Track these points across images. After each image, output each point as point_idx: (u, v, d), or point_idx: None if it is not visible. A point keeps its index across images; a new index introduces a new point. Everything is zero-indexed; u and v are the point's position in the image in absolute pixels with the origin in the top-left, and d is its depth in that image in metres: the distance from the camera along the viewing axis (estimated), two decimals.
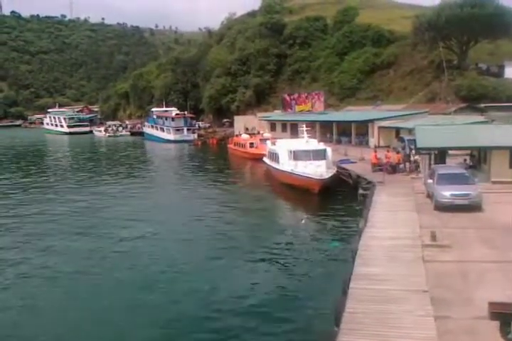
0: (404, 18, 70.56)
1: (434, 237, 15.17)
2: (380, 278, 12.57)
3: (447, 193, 19.31)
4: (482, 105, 47.65)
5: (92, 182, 40.20)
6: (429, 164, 26.04)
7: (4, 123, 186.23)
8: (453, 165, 25.62)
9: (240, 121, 75.82)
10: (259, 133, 58.87)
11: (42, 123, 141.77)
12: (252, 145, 51.52)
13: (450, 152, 28.00)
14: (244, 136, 55.67)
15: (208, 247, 20.25)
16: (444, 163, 25.86)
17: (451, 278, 12.41)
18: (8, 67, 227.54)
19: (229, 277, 16.70)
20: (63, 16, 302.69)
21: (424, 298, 11.22)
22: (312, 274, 16.66)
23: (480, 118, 39.02)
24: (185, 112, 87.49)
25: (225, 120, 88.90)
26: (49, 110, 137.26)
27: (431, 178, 21.22)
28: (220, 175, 42.59)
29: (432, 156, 26.38)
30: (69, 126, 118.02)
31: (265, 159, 40.07)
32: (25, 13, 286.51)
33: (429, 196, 21.34)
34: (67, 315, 14.08)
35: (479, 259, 13.66)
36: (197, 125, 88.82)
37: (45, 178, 43.28)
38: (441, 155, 26.43)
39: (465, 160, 28.35)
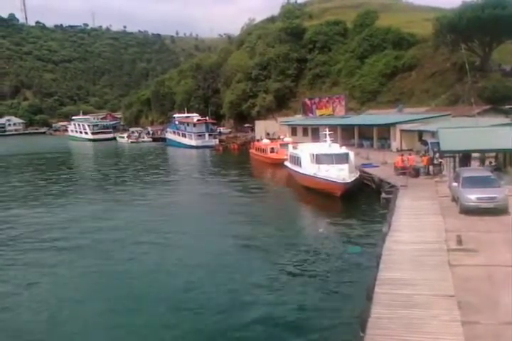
0: (424, 20, 69.95)
1: (460, 241, 14.99)
2: (406, 282, 12.46)
3: (473, 196, 19.02)
4: (506, 107, 46.90)
5: (119, 187, 40.98)
6: (454, 167, 25.72)
7: (30, 130, 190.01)
8: (479, 167, 25.26)
9: (261, 126, 76.03)
10: (279, 138, 58.89)
11: (66, 130, 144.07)
12: (272, 150, 51.51)
13: (473, 154, 27.59)
14: (265, 141, 55.74)
15: (230, 250, 20.38)
16: (468, 165, 25.54)
17: (478, 283, 12.23)
18: (33, 76, 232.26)
19: (250, 281, 16.70)
20: (86, 25, 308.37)
21: (450, 302, 11.08)
22: (335, 279, 16.57)
23: (505, 120, 38.38)
24: (207, 118, 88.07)
25: (246, 125, 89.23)
26: (73, 117, 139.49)
27: (456, 181, 20.93)
28: (242, 180, 42.72)
29: (457, 159, 26.04)
30: (93, 133, 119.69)
31: (287, 163, 40.04)
32: (49, 23, 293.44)
33: (455, 200, 21.05)
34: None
35: (506, 263, 13.39)
36: (218, 130, 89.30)
37: (79, 182, 45.42)
38: (465, 158, 26.07)
39: (490, 162, 27.91)
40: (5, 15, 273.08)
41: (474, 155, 27.89)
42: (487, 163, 27.83)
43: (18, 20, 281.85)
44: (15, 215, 29.91)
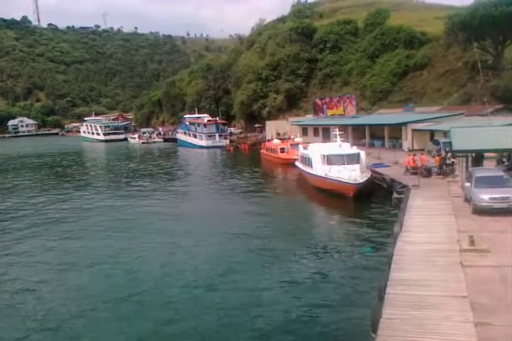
0: (436, 19, 69.48)
1: (472, 242, 14.84)
2: (418, 283, 12.37)
3: (486, 196, 18.86)
4: None
5: (130, 187, 41.25)
6: (466, 167, 25.48)
7: (42, 131, 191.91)
8: (491, 167, 24.99)
9: (272, 126, 76.01)
10: (290, 138, 58.84)
11: (78, 131, 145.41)
12: (282, 150, 51.45)
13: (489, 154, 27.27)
14: (276, 141, 55.68)
15: (241, 250, 20.43)
16: (481, 165, 25.28)
17: (491, 284, 12.12)
18: (45, 77, 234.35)
19: (261, 282, 16.71)
20: (97, 27, 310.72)
21: (463, 303, 10.99)
22: (346, 279, 16.53)
23: None
24: (217, 118, 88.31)
25: (257, 125, 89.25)
26: (85, 118, 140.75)
27: (468, 181, 20.77)
28: (252, 180, 42.71)
29: (469, 159, 25.78)
30: (105, 134, 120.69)
31: (297, 163, 39.95)
32: (61, 25, 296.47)
33: (467, 200, 20.87)
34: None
35: None
36: (229, 131, 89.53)
37: (96, 183, 45.89)
38: (477, 157, 25.80)
39: (503, 162, 27.58)
40: (18, 18, 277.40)
41: (491, 154, 27.60)
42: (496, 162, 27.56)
43: (30, 22, 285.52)
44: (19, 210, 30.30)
